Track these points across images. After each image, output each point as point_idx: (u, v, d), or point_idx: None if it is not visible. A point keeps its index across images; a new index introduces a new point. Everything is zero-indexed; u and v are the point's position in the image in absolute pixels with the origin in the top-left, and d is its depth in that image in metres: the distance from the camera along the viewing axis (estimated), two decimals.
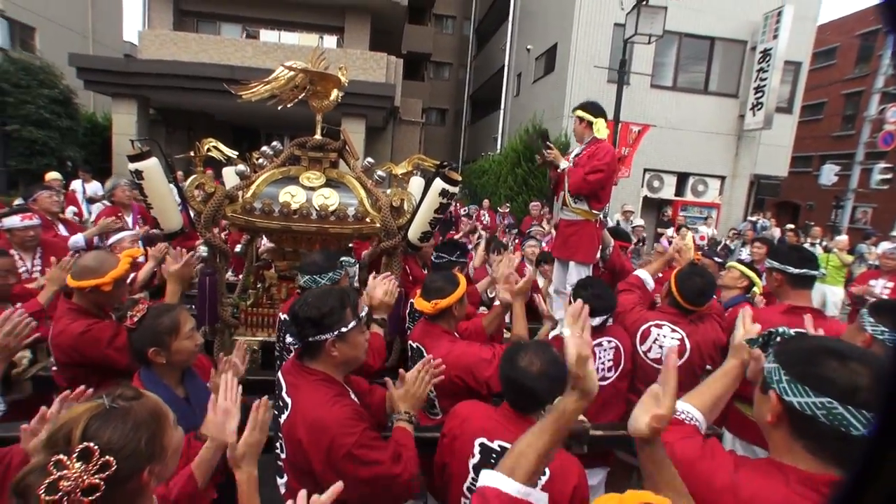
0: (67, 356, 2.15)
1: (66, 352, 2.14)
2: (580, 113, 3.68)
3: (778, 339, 1.70)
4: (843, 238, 9.14)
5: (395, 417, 1.81)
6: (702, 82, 13.88)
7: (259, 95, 2.90)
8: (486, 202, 12.18)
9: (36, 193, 4.55)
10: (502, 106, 18.86)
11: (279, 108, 3.01)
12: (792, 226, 13.08)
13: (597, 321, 2.45)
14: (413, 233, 2.80)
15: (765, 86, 12.89)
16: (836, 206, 15.64)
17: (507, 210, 11.17)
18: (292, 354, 1.87)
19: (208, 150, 2.71)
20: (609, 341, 2.55)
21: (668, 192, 14.19)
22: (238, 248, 3.36)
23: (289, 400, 1.65)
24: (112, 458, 0.90)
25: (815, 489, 1.02)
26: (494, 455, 1.60)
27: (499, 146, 18.03)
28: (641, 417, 1.12)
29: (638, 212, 13.16)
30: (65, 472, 0.86)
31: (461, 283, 2.38)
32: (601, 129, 3.67)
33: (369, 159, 3.08)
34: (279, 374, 1.79)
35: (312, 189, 2.87)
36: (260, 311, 2.96)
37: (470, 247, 5.95)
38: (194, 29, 15.27)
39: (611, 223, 11.12)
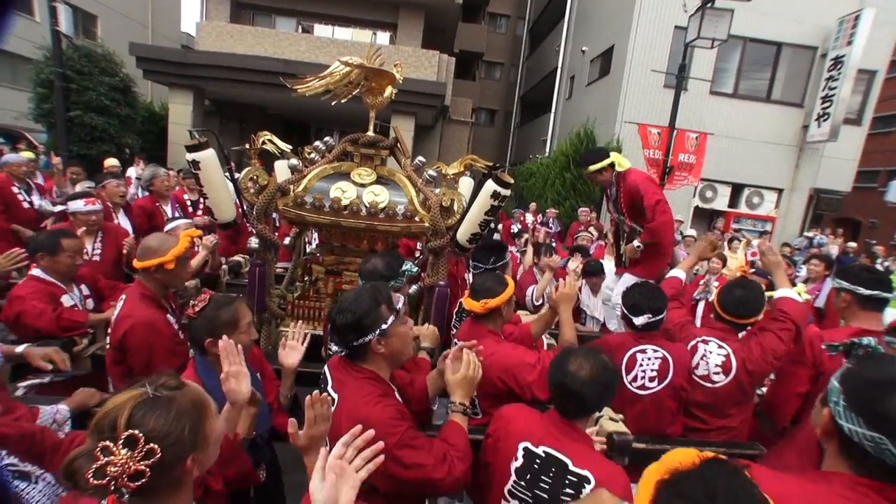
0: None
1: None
2: (592, 168, 3.81)
3: (860, 350, 1.72)
4: None
5: (449, 408, 1.78)
6: (765, 90, 13.15)
7: (314, 90, 2.89)
8: (533, 205, 12.01)
9: (105, 181, 4.70)
10: (553, 108, 18.45)
11: (332, 103, 2.99)
12: (854, 244, 12.42)
13: (641, 320, 2.43)
14: (462, 234, 2.73)
15: (833, 95, 12.10)
16: None
17: (556, 213, 10.94)
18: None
19: (263, 143, 2.71)
20: (655, 350, 2.45)
21: (721, 203, 13.59)
22: (287, 240, 3.36)
23: (335, 395, 1.67)
24: (156, 446, 0.93)
25: (854, 489, 1.09)
26: (538, 460, 1.59)
27: (548, 149, 17.72)
28: None
29: (688, 222, 12.70)
30: (111, 458, 0.89)
31: (510, 284, 2.37)
32: (622, 162, 3.75)
33: (420, 158, 3.02)
34: (325, 368, 1.80)
35: (363, 186, 2.84)
36: (306, 303, 2.96)
37: (515, 250, 5.82)
38: (250, 22, 15.69)
39: None
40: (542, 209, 11.66)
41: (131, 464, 0.90)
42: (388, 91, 3.01)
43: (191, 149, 2.47)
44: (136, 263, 2.35)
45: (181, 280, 2.49)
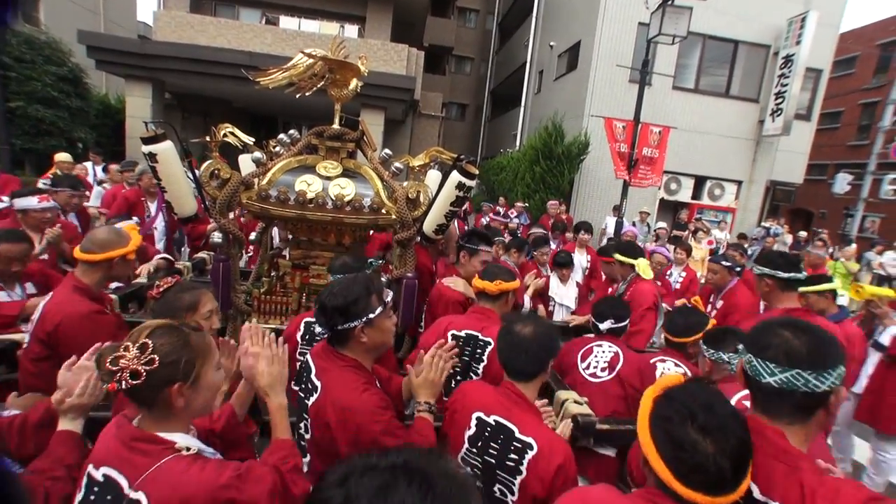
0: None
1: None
2: (618, 257, 3.91)
3: None
4: (850, 248, 9.21)
5: (415, 408, 1.83)
6: (723, 86, 13.69)
7: (277, 82, 2.85)
8: (501, 199, 12.13)
9: (60, 189, 4.43)
10: (523, 102, 18.65)
11: (297, 96, 2.95)
12: (804, 233, 13.13)
13: (606, 325, 2.76)
14: (428, 225, 2.74)
15: (785, 92, 12.75)
16: (847, 214, 15.74)
17: (524, 206, 11.11)
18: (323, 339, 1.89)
19: (225, 135, 2.64)
20: (611, 346, 2.72)
21: (685, 194, 14.06)
22: (253, 235, 3.30)
23: (318, 383, 1.69)
24: (157, 358, 1.20)
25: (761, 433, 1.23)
26: (489, 428, 1.71)
27: (518, 143, 17.88)
28: None
29: (654, 214, 13.05)
30: (125, 353, 1.19)
31: (518, 280, 2.50)
32: (646, 271, 3.83)
33: (387, 151, 3.01)
34: (308, 357, 1.81)
35: (329, 178, 2.81)
36: (273, 298, 2.92)
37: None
38: (212, 12, 15.19)
39: (627, 224, 11.08)
40: (512, 203, 11.79)
41: (135, 362, 1.18)
42: (354, 84, 2.98)
43: (147, 141, 2.39)
44: (91, 256, 2.20)
45: (129, 272, 2.50)
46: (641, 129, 10.34)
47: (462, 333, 2.35)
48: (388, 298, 1.75)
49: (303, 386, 1.78)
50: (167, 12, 13.64)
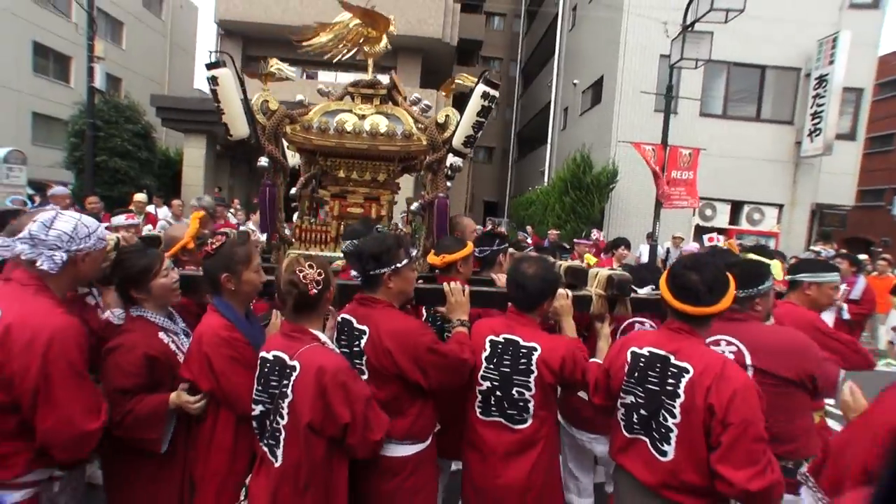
0: None
1: None
2: (753, 257, 4.15)
3: None
4: None
5: (450, 326, 2.19)
6: (754, 110, 13.74)
7: (320, 45, 3.22)
8: (529, 228, 12.27)
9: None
10: (549, 140, 19.28)
11: (334, 60, 3.29)
12: (865, 255, 12.38)
13: (646, 290, 2.68)
14: (457, 138, 2.92)
15: (822, 112, 12.65)
16: None
17: (557, 234, 11.15)
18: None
19: (274, 69, 2.99)
20: (652, 326, 2.65)
21: (721, 220, 13.81)
22: (294, 190, 3.49)
23: (364, 327, 2.00)
24: (323, 273, 1.79)
25: None
26: (500, 346, 2.07)
27: (546, 179, 18.22)
28: None
29: (689, 240, 12.79)
30: (307, 270, 1.75)
31: (469, 245, 2.63)
32: (777, 269, 3.92)
33: (417, 94, 3.27)
34: (342, 317, 2.09)
35: (364, 116, 3.08)
36: (314, 227, 3.11)
37: None
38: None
39: (661, 250, 10.90)
40: (543, 234, 11.87)
41: (316, 275, 1.75)
42: (384, 41, 3.32)
43: (210, 66, 2.74)
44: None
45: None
46: (670, 151, 10.41)
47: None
48: (414, 253, 2.05)
49: (345, 342, 2.05)
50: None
